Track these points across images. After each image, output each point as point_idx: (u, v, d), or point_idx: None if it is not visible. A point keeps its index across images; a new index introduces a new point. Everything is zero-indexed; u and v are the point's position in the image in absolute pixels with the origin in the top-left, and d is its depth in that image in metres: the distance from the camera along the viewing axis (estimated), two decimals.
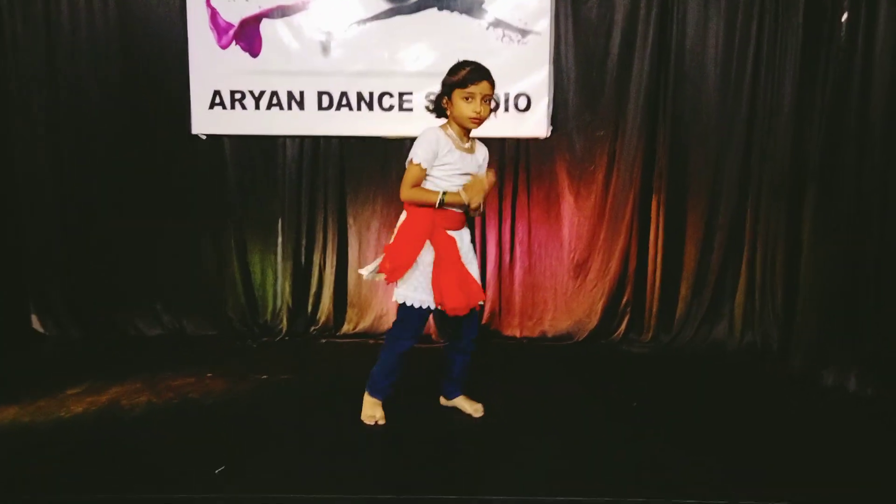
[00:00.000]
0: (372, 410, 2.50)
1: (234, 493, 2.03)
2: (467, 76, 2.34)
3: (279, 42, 3.45)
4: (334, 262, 3.63)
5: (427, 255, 2.37)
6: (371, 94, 3.47)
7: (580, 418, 2.63)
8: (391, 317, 3.33)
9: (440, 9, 3.40)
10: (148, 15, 3.45)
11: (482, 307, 2.54)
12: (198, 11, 3.42)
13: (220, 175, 3.58)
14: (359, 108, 3.49)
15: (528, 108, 3.46)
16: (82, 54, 3.44)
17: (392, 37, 3.43)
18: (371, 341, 3.52)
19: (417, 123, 3.43)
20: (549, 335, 3.64)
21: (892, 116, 2.84)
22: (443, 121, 2.45)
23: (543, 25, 3.39)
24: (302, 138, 3.55)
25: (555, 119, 3.49)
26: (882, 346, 2.90)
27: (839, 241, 3.02)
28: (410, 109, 3.47)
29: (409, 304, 2.40)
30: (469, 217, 2.52)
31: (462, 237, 2.46)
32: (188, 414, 2.62)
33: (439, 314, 2.48)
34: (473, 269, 2.48)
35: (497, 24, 3.40)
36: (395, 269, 2.36)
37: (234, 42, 3.46)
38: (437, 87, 3.35)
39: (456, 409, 2.62)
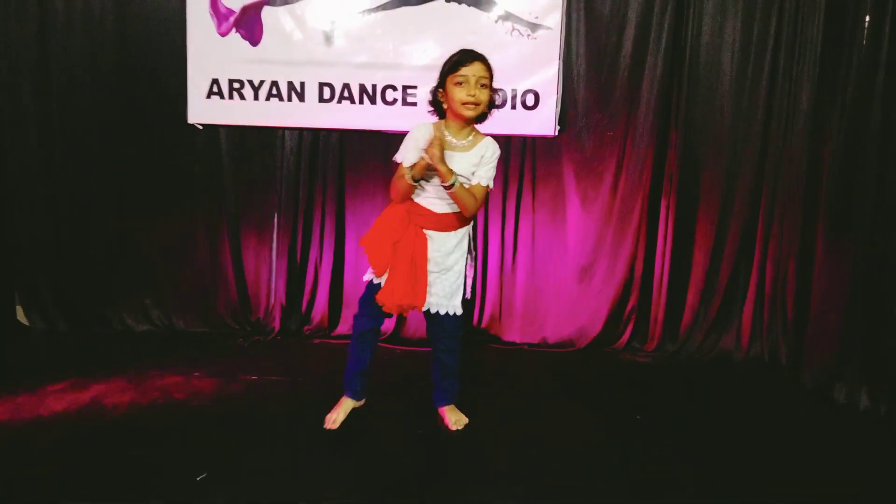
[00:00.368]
0: (335, 412, 2.40)
1: (217, 500, 1.92)
2: (458, 58, 2.21)
3: (281, 30, 3.34)
4: (331, 260, 3.51)
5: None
6: (374, 87, 3.36)
7: (579, 431, 2.52)
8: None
9: (448, 0, 3.29)
10: None
11: (454, 316, 2.36)
12: None
13: (216, 167, 3.46)
14: (361, 102, 3.37)
15: (535, 105, 3.34)
16: (76, 39, 3.32)
17: (398, 28, 3.31)
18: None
19: (422, 118, 3.32)
20: (551, 341, 3.53)
21: None
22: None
23: (554, 20, 3.27)
24: (301, 131, 3.43)
25: (563, 117, 3.37)
26: None
27: (855, 252, 2.90)
28: (415, 104, 3.35)
29: (365, 278, 2.36)
30: (463, 222, 2.32)
31: (443, 241, 2.29)
32: (173, 415, 2.51)
33: (428, 316, 2.38)
34: (444, 279, 2.30)
35: (507, 17, 3.28)
36: (379, 266, 2.28)
37: (234, 29, 3.35)
38: None
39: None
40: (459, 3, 3.29)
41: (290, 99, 3.37)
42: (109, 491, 1.98)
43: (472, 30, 3.29)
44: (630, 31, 3.30)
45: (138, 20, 3.34)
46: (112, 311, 3.51)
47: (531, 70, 3.31)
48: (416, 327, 3.44)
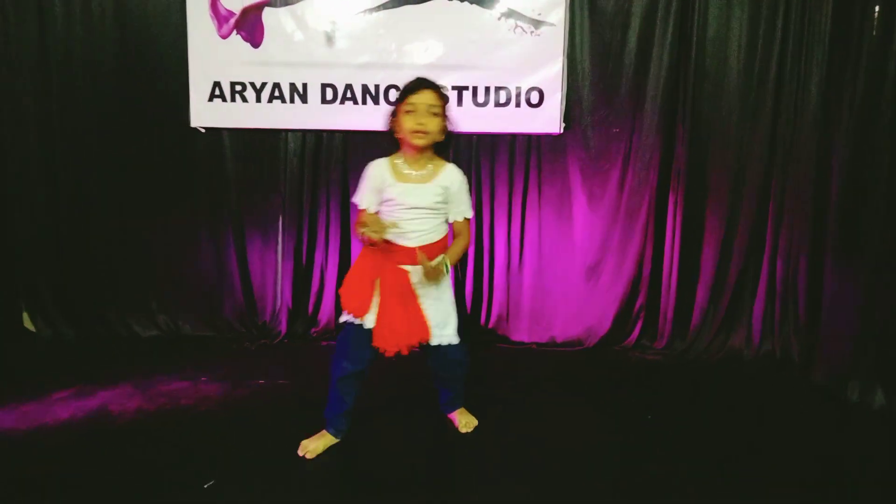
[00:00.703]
0: (313, 441, 2.25)
1: None
2: (406, 87, 2.17)
3: (282, 32, 3.31)
4: (337, 262, 3.49)
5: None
6: (377, 87, 3.33)
7: (588, 431, 2.49)
8: None
9: None
10: (146, 1, 3.31)
11: (452, 346, 2.26)
12: None
13: (219, 170, 3.45)
14: (364, 102, 3.35)
15: (540, 102, 3.31)
16: (76, 42, 3.31)
17: (400, 27, 3.28)
18: None
19: None
20: (559, 340, 3.50)
21: None
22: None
23: (558, 16, 3.23)
24: (304, 132, 3.41)
25: (568, 114, 3.33)
26: None
27: (867, 248, 2.86)
28: None
29: (342, 319, 2.24)
30: (441, 251, 2.20)
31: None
32: (180, 422, 2.49)
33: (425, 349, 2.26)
34: (438, 306, 2.21)
35: (509, 14, 3.25)
36: (357, 306, 2.18)
37: (234, 31, 3.33)
38: (445, 81, 3.31)
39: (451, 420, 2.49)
40: (462, 1, 3.25)
41: (292, 101, 3.35)
42: (116, 499, 1.96)
43: (475, 27, 3.26)
44: (635, 27, 3.25)
45: (139, 22, 3.33)
46: (118, 316, 3.51)
47: (535, 67, 3.28)
48: None
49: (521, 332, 3.52)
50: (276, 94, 3.35)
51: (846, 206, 2.96)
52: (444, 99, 2.19)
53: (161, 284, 3.52)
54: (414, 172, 2.19)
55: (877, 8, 2.80)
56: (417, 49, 3.29)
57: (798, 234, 3.26)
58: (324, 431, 2.29)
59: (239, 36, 3.32)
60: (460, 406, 2.50)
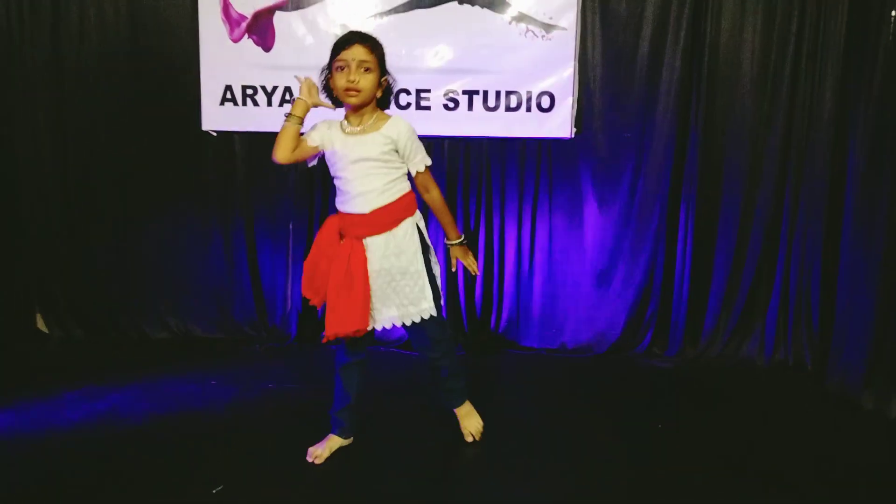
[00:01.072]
0: (320, 446, 2.22)
1: None
2: (336, 42, 2.03)
3: (293, 35, 3.32)
4: None
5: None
6: None
7: (597, 438, 2.46)
8: None
9: (461, 2, 3.24)
10: (158, 5, 3.33)
11: (431, 320, 2.14)
12: (210, 2, 3.30)
13: (230, 174, 3.46)
14: None
15: (551, 107, 3.29)
16: (90, 47, 3.33)
17: (410, 31, 3.28)
18: (383, 349, 3.37)
19: (436, 122, 3.31)
20: (569, 346, 3.48)
21: None
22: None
23: (569, 20, 3.22)
24: None
25: (579, 119, 3.32)
26: None
27: (884, 254, 2.81)
28: (428, 108, 3.32)
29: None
30: (402, 213, 2.11)
31: (385, 244, 2.07)
32: (188, 425, 2.49)
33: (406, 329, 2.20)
34: (402, 285, 2.09)
35: (520, 18, 3.24)
36: (311, 293, 2.16)
37: (246, 35, 3.34)
38: (456, 85, 3.31)
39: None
40: (472, 5, 3.25)
41: None
42: (124, 502, 1.96)
43: (486, 31, 3.25)
44: (647, 31, 3.23)
45: (152, 27, 3.34)
46: (128, 318, 3.52)
47: (546, 72, 3.26)
48: None
49: (531, 338, 3.50)
50: (287, 97, 3.35)
51: (861, 212, 2.92)
52: (379, 53, 2.06)
53: (171, 287, 3.53)
54: (357, 128, 2.08)
55: (893, 13, 2.76)
56: (428, 53, 3.29)
57: (812, 240, 3.22)
58: (330, 435, 2.27)
59: (250, 40, 3.33)
60: (464, 399, 2.37)
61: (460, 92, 3.30)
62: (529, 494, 2.06)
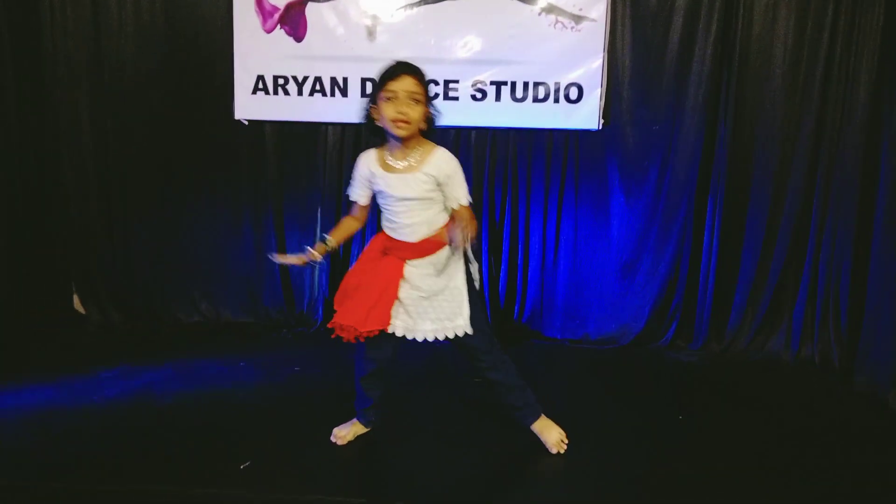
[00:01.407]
0: (345, 428, 2.31)
1: (251, 491, 1.97)
2: (385, 73, 2.01)
3: (324, 26, 3.37)
4: None
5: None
6: None
7: (617, 430, 2.48)
8: None
9: None
10: None
11: (472, 336, 2.15)
12: None
13: (261, 162, 3.53)
14: None
15: (579, 98, 3.29)
16: (128, 38, 3.42)
17: (439, 22, 3.31)
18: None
19: (463, 113, 3.34)
20: (593, 337, 3.49)
21: None
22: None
23: (599, 12, 3.21)
24: (344, 125, 3.46)
25: (607, 111, 3.31)
26: None
27: None
28: (456, 98, 3.35)
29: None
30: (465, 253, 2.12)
31: (428, 264, 2.09)
32: (218, 404, 2.58)
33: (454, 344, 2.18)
34: (439, 300, 2.10)
35: (550, 9, 3.24)
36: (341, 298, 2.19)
37: (278, 26, 3.40)
38: (484, 76, 3.33)
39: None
40: None
41: (332, 94, 3.40)
42: (156, 473, 2.05)
43: (515, 22, 3.26)
44: (678, 23, 3.21)
45: (187, 18, 3.41)
46: (163, 302, 3.62)
47: (575, 63, 3.27)
48: None
49: (555, 329, 3.52)
50: (318, 87, 3.41)
51: (893, 213, 2.87)
52: (426, 85, 2.05)
53: (204, 273, 3.62)
54: (400, 163, 2.07)
55: None
56: (456, 44, 3.31)
57: (841, 238, 3.17)
58: (355, 420, 2.34)
59: (283, 31, 3.39)
60: (538, 414, 2.32)
61: (488, 83, 3.32)
62: (551, 485, 2.09)
